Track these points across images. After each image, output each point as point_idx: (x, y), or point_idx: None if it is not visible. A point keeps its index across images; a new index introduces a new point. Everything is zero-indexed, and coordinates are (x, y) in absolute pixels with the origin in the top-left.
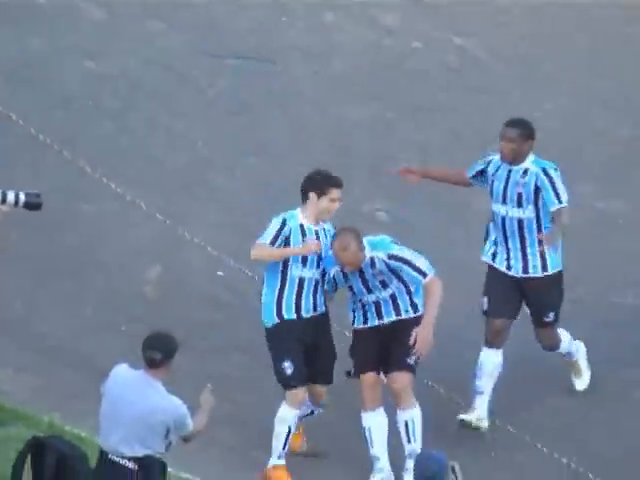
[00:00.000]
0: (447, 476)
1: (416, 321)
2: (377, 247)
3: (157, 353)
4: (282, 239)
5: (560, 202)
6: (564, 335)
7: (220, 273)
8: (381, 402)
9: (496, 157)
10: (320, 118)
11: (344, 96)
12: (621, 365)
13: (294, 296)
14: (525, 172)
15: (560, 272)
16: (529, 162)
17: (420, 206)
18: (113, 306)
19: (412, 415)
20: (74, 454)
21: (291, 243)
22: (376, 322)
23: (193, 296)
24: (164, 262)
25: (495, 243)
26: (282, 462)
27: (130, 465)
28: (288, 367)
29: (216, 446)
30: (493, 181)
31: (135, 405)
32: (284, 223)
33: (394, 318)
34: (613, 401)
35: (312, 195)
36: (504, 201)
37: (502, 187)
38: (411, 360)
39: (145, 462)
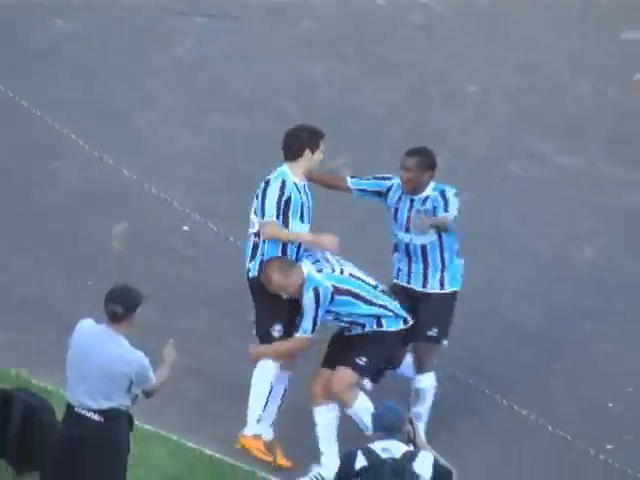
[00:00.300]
0: (404, 426)
1: (374, 334)
2: (306, 281)
3: (119, 307)
4: (283, 204)
5: (446, 211)
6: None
7: (186, 228)
8: (329, 398)
9: (397, 181)
10: (285, 75)
11: (309, 53)
12: (580, 318)
13: (295, 251)
14: (425, 200)
15: (455, 293)
16: (429, 190)
17: (384, 159)
18: (80, 261)
19: (355, 410)
20: (42, 406)
21: (291, 202)
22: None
23: (159, 251)
24: (131, 217)
25: (398, 268)
26: (259, 430)
27: (96, 418)
28: (278, 330)
29: (182, 399)
30: (396, 209)
31: (98, 358)
32: (284, 184)
33: (360, 332)
34: (573, 354)
35: (307, 152)
36: (407, 230)
37: (406, 217)
38: (360, 360)
39: (110, 415)
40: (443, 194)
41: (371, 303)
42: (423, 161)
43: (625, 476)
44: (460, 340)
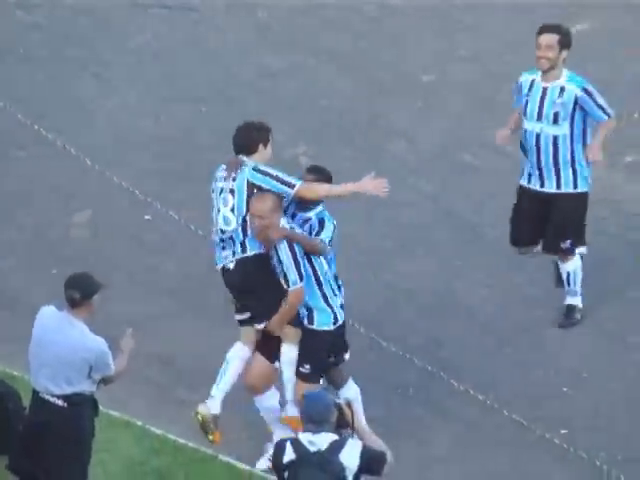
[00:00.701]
0: (333, 415)
1: (307, 336)
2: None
3: (76, 293)
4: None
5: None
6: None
7: (148, 217)
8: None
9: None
10: (243, 66)
11: (267, 44)
12: (533, 304)
13: None
14: (306, 221)
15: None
16: (313, 212)
17: (340, 150)
18: (44, 249)
19: None
20: (8, 392)
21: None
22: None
23: (121, 239)
24: (94, 206)
25: None
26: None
27: (60, 403)
28: None
29: (144, 385)
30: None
31: (57, 344)
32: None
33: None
34: (525, 339)
35: (261, 147)
36: None
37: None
38: (304, 369)
39: (74, 400)
40: (321, 223)
41: (320, 285)
42: (319, 180)
43: (580, 460)
44: (416, 327)
